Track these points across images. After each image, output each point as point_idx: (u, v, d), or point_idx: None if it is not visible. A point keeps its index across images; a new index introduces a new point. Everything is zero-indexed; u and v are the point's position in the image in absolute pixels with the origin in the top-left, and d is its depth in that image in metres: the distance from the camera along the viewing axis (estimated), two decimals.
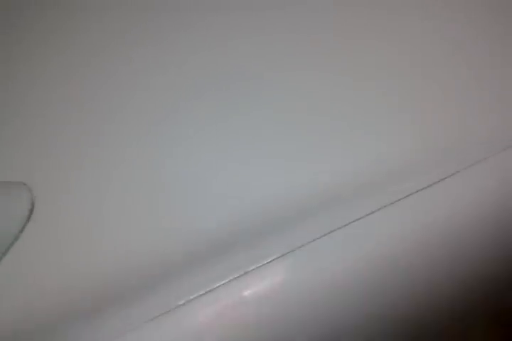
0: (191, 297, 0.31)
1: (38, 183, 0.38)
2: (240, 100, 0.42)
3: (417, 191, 0.34)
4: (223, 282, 0.31)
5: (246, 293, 0.31)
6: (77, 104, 0.44)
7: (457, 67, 0.40)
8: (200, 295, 0.31)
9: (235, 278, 0.31)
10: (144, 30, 0.49)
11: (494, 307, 0.45)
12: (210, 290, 0.31)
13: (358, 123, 0.38)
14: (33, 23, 0.54)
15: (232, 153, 0.38)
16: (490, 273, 0.38)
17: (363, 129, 0.38)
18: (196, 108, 0.42)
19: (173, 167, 0.38)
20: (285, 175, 0.36)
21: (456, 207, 0.35)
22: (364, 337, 0.34)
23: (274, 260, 0.32)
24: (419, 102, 0.39)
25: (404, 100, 0.39)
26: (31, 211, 0.36)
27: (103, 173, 0.39)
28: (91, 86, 0.45)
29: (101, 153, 0.40)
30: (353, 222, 0.33)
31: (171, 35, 0.47)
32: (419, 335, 0.39)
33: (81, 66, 0.48)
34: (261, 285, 0.31)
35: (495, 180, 0.35)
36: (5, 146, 0.41)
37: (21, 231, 0.36)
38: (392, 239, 0.33)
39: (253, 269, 0.32)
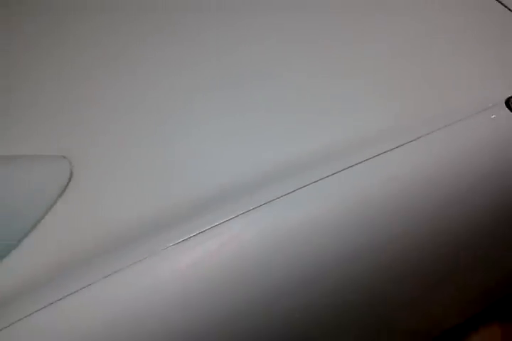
0: (170, 244, 0.38)
1: (76, 157, 0.46)
2: (241, 88, 0.49)
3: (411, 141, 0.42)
4: (205, 229, 0.38)
5: (230, 238, 0.38)
6: (109, 88, 0.51)
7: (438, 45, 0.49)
8: (181, 242, 0.38)
9: (220, 223, 0.38)
10: (158, 32, 0.56)
11: (465, 274, 0.52)
12: (190, 237, 0.38)
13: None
14: (51, 25, 0.60)
15: (230, 124, 0.46)
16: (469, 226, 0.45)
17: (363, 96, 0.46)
18: (203, 98, 0.49)
19: (181, 139, 0.46)
20: (273, 142, 0.45)
21: (442, 155, 0.42)
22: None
23: (248, 211, 0.39)
24: (409, 77, 0.47)
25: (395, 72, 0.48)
26: (70, 179, 0.44)
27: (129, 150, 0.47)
28: (115, 71, 0.53)
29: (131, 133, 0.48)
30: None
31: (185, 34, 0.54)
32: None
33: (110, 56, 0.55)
34: (244, 232, 0.38)
35: (472, 138, 0.43)
36: (49, 125, 0.49)
37: (60, 195, 0.43)
38: (381, 183, 0.40)
39: (237, 216, 0.39)
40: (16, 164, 0.44)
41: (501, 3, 0.51)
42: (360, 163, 0.40)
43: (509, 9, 0.50)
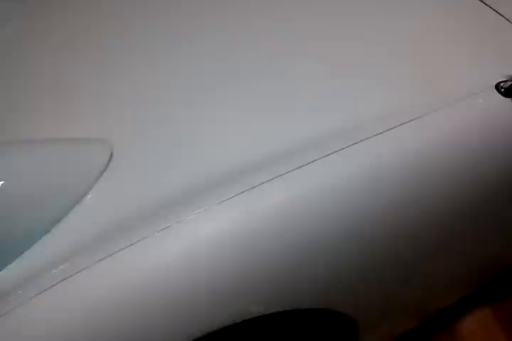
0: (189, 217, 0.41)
1: (116, 140, 0.50)
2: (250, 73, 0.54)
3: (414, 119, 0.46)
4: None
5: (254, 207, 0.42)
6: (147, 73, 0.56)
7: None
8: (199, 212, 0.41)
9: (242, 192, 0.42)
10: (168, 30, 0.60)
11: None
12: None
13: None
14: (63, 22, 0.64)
15: (231, 117, 0.51)
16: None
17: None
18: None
19: (193, 127, 0.50)
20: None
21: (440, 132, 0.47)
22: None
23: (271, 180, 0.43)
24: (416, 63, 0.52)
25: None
26: (109, 160, 0.48)
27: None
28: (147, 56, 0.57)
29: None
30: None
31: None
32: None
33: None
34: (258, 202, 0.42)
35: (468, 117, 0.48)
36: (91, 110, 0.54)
37: (101, 174, 0.47)
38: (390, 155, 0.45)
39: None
40: (61, 145, 0.48)
41: (484, 3, 0.57)
42: (362, 140, 0.45)
43: (491, 8, 0.57)
